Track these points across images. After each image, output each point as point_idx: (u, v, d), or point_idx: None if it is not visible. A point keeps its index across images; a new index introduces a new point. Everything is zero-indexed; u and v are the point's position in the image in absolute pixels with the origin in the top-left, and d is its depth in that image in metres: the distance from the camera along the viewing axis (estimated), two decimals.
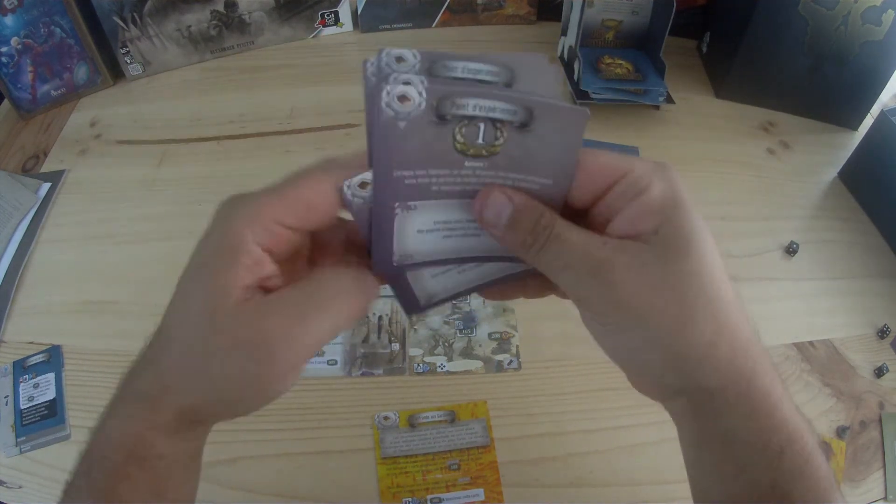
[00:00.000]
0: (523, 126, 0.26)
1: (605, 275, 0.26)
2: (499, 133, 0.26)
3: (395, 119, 0.25)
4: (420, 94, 0.24)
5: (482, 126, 0.26)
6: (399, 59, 0.25)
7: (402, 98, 0.24)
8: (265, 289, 0.27)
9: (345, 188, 0.26)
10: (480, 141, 0.26)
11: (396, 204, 0.27)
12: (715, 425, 0.27)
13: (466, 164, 0.27)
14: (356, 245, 0.30)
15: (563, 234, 0.27)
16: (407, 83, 0.24)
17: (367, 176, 0.26)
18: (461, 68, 0.26)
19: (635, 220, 0.27)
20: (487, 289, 0.32)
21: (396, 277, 0.29)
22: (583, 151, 0.27)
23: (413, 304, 0.31)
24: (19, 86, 0.72)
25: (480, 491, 0.48)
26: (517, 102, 0.26)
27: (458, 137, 0.26)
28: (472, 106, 0.25)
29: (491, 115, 0.26)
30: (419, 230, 0.29)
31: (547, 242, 0.27)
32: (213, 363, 0.26)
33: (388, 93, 0.24)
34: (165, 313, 0.28)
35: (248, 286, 0.26)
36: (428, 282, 0.30)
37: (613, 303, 0.26)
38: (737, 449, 0.26)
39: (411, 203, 0.27)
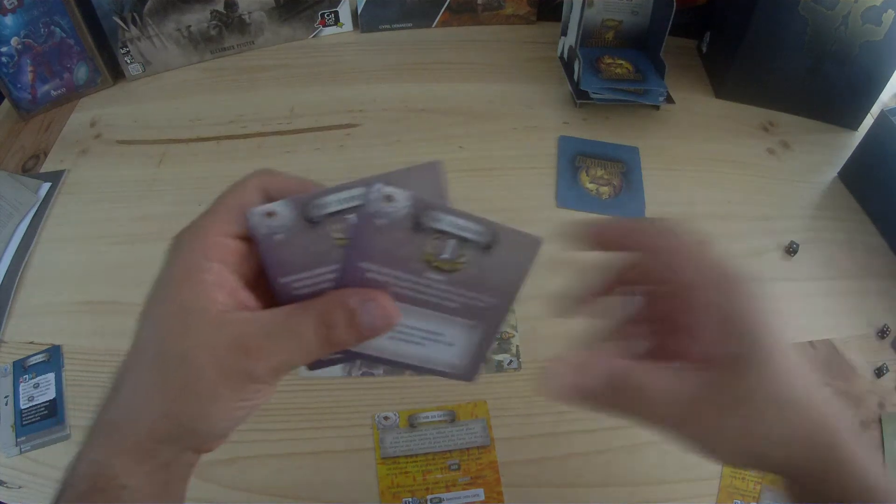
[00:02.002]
0: (487, 248, 0.28)
1: (689, 418, 0.28)
2: (464, 251, 0.28)
3: (376, 216, 0.26)
4: (405, 198, 0.26)
5: (451, 243, 0.28)
6: (270, 214, 0.27)
7: (388, 198, 0.26)
8: (244, 307, 0.27)
9: (249, 215, 0.27)
10: (446, 256, 0.28)
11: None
12: (800, 488, 0.30)
13: (427, 274, 0.28)
14: None
15: (644, 388, 0.28)
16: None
17: (274, 206, 0.26)
18: (334, 201, 0.27)
19: (714, 341, 0.28)
20: (416, 373, 0.33)
21: None
22: (666, 229, 0.30)
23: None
24: (19, 86, 0.72)
25: (480, 491, 0.48)
26: (486, 225, 0.27)
27: (428, 249, 0.27)
28: (447, 223, 0.27)
29: (462, 233, 0.27)
30: None
31: (626, 398, 0.29)
32: (186, 375, 0.26)
33: (378, 191, 0.26)
34: (134, 339, 0.28)
35: (224, 301, 0.26)
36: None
37: (695, 436, 0.29)
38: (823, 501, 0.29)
39: None
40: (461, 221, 0.27)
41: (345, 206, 0.27)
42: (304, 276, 0.28)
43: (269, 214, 0.26)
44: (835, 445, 0.28)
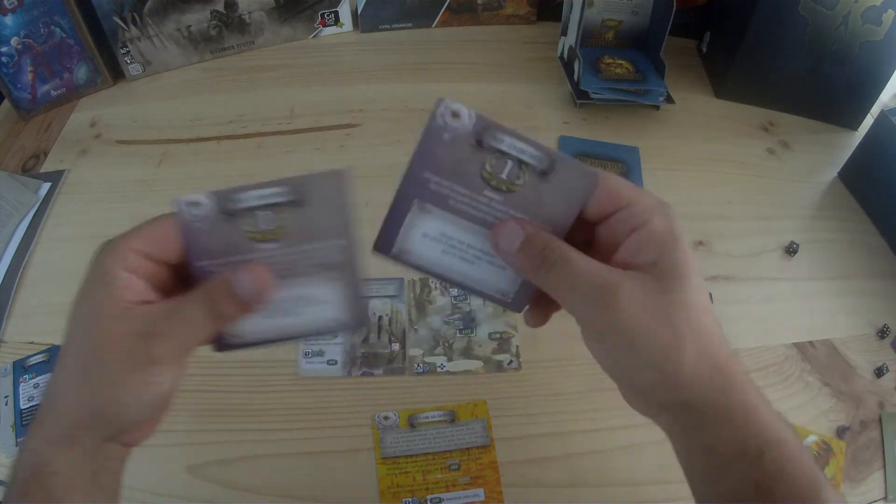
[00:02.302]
0: (544, 174, 0.29)
1: (608, 299, 0.29)
2: (522, 174, 0.29)
3: (442, 129, 0.28)
4: (469, 116, 0.28)
5: (509, 163, 0.29)
6: (193, 203, 0.30)
7: (455, 114, 0.28)
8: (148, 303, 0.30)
9: (175, 202, 0.30)
10: (504, 176, 0.29)
11: (415, 201, 0.30)
12: (698, 437, 0.30)
13: (485, 192, 0.30)
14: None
15: (571, 259, 0.30)
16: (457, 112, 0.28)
17: (197, 197, 0.29)
18: (249, 198, 0.29)
19: (637, 250, 0.30)
20: (462, 288, 0.34)
21: (398, 209, 0.31)
22: (601, 173, 0.30)
23: (385, 245, 0.32)
24: (19, 86, 0.72)
25: (480, 491, 0.48)
26: (545, 151, 0.29)
27: (487, 167, 0.29)
28: (508, 143, 0.29)
29: (521, 155, 0.29)
30: (424, 234, 0.32)
31: (555, 266, 0.30)
32: (96, 363, 0.28)
33: (446, 106, 0.28)
34: (63, 336, 0.30)
35: (131, 300, 0.29)
36: (417, 240, 0.32)
37: (613, 324, 0.29)
38: (718, 456, 0.29)
39: (428, 206, 0.31)
40: (521, 144, 0.29)
41: (257, 202, 0.29)
42: (218, 261, 0.30)
43: (192, 204, 0.29)
44: (738, 389, 0.30)
